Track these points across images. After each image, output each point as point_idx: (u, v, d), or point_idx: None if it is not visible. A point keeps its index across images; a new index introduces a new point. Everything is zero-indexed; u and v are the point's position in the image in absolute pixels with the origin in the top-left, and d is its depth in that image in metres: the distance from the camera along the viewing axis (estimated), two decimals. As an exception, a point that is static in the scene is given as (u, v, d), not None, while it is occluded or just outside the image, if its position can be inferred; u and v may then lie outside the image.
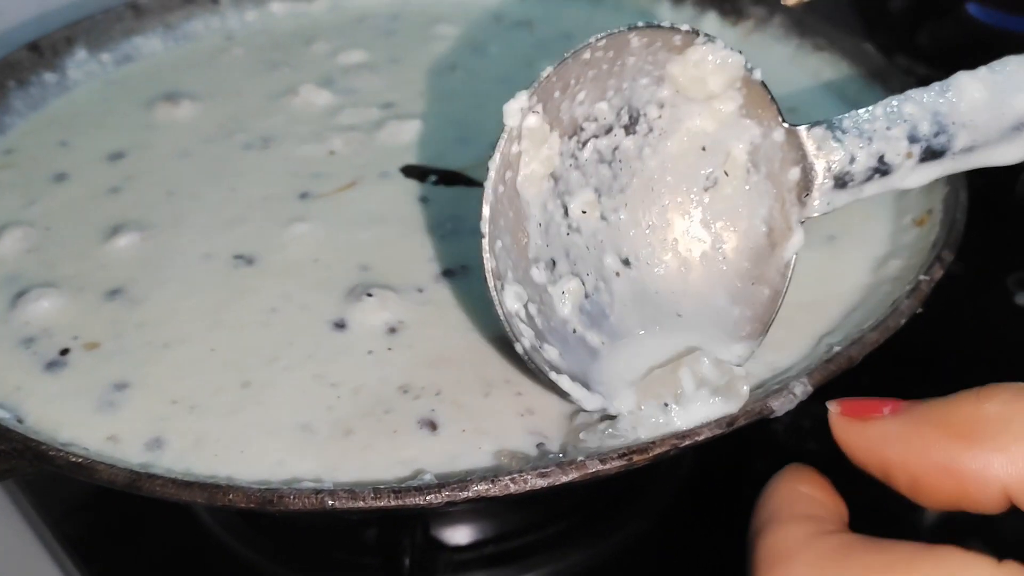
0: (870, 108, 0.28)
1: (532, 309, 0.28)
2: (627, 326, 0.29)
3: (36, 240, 0.38)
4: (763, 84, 0.28)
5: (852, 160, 0.28)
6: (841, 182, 0.28)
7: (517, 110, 0.27)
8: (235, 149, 0.43)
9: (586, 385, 0.28)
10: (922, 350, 0.40)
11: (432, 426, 0.30)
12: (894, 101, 0.28)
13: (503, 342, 0.31)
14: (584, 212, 0.29)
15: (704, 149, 0.29)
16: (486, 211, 0.27)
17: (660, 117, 0.29)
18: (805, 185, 0.28)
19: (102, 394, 0.32)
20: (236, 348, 0.33)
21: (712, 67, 0.28)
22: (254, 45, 0.51)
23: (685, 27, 0.27)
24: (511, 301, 0.28)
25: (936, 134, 0.28)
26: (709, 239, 0.30)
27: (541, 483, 0.26)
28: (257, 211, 0.39)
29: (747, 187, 0.29)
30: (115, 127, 0.45)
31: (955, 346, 0.43)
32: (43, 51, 0.47)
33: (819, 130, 0.28)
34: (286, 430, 0.30)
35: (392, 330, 0.33)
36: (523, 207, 0.28)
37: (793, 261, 0.29)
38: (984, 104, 0.28)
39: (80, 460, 0.28)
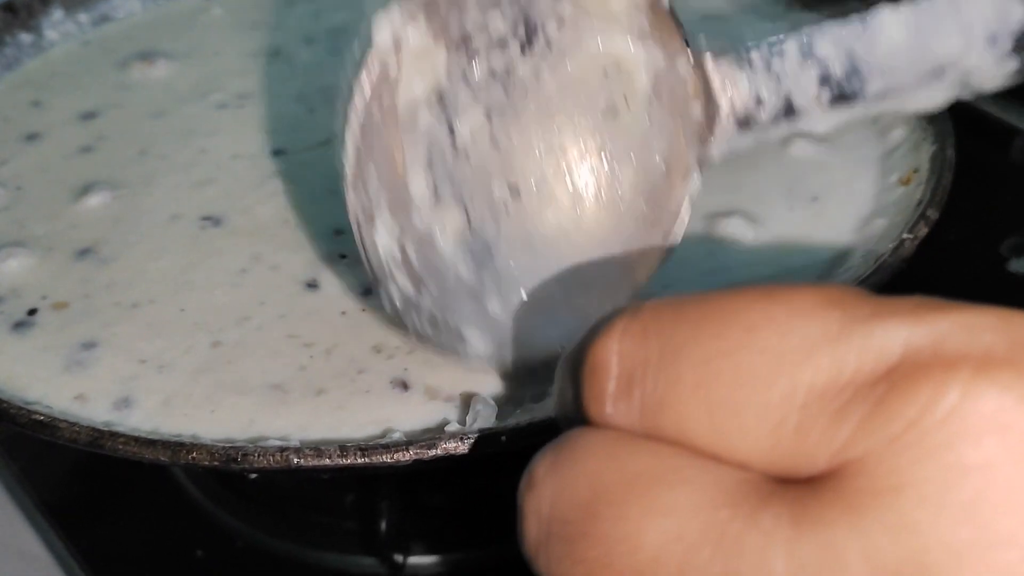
0: (781, 39, 0.25)
1: (409, 248, 0.26)
2: (512, 275, 0.27)
3: (7, 200, 0.38)
4: (671, 11, 0.26)
5: (759, 101, 0.26)
6: (745, 123, 0.26)
7: (387, 25, 0.24)
8: (209, 108, 0.42)
9: (462, 339, 0.27)
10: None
11: (404, 386, 0.30)
12: (805, 36, 0.25)
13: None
14: (473, 135, 0.26)
15: (606, 74, 0.26)
16: (350, 142, 0.24)
17: (560, 34, 0.26)
18: (708, 123, 0.26)
19: (70, 354, 0.31)
20: (206, 308, 0.32)
21: None
22: (234, 5, 0.50)
23: None
24: (384, 237, 0.26)
25: (849, 77, 0.25)
26: (606, 171, 0.27)
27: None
28: (227, 171, 0.38)
29: (647, 117, 0.26)
30: (89, 87, 0.44)
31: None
32: (18, 11, 0.46)
33: (725, 64, 0.26)
34: (257, 390, 0.30)
35: (367, 291, 0.33)
36: (402, 130, 0.25)
37: (687, 207, 0.27)
38: (904, 47, 0.25)
39: (42, 418, 0.27)
